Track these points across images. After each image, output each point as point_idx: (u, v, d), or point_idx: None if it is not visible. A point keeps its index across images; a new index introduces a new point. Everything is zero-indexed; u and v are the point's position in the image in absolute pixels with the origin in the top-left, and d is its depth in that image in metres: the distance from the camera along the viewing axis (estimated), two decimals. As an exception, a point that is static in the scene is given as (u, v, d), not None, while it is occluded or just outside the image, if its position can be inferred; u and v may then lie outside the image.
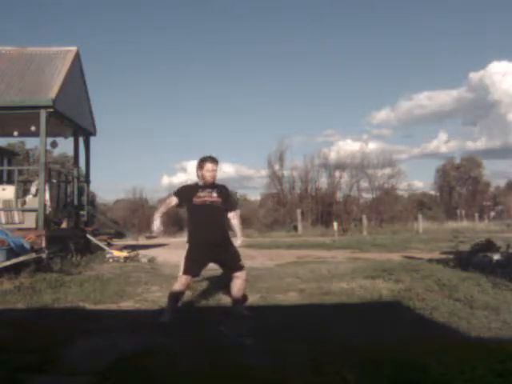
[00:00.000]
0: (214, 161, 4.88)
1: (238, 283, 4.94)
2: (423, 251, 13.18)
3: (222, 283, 7.13)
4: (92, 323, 4.77)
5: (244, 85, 70.35)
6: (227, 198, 5.00)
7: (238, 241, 5.05)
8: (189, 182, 5.23)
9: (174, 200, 4.95)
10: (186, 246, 4.90)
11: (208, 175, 4.83)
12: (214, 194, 4.84)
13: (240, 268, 4.94)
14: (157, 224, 4.88)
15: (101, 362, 3.43)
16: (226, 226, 5.00)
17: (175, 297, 4.87)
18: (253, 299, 5.89)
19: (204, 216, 4.80)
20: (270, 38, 71.75)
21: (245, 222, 29.94)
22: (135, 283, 7.56)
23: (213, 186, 4.90)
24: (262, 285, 6.96)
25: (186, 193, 4.92)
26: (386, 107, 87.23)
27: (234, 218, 5.09)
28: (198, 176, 4.96)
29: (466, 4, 67.62)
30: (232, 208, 5.07)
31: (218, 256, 4.85)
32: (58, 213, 11.98)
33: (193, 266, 4.80)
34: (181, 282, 4.82)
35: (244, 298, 5.14)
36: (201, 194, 4.82)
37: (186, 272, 4.79)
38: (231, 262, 4.92)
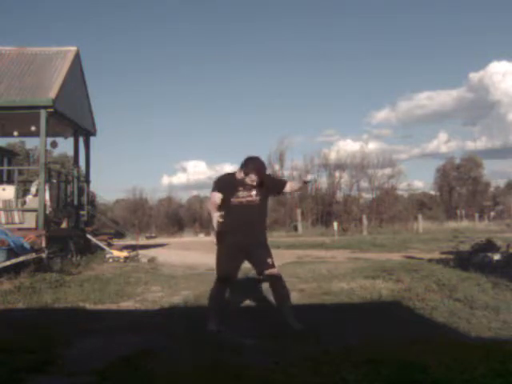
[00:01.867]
0: (260, 172, 4.37)
1: (274, 283, 4.50)
2: (423, 251, 13.18)
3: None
4: (92, 323, 4.77)
5: (244, 85, 70.38)
6: (267, 186, 4.49)
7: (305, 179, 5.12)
8: (230, 172, 4.67)
9: (218, 196, 4.42)
10: (216, 247, 4.55)
11: (251, 183, 4.38)
12: (253, 192, 4.41)
13: (271, 265, 4.44)
14: (216, 218, 4.37)
15: (101, 361, 3.43)
16: (263, 225, 4.67)
17: (214, 302, 4.52)
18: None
19: (238, 217, 4.38)
20: (270, 38, 71.79)
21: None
22: (135, 283, 7.57)
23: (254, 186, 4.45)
24: (262, 285, 6.96)
25: (227, 189, 4.43)
26: (386, 107, 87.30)
27: (292, 187, 4.76)
28: (240, 174, 4.46)
29: (466, 4, 67.65)
30: (281, 185, 4.65)
31: (249, 254, 4.46)
32: (58, 213, 11.97)
33: (225, 267, 4.47)
34: (216, 285, 4.53)
35: (290, 307, 4.53)
36: (240, 193, 4.40)
37: (219, 275, 4.49)
38: (261, 258, 4.46)
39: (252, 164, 4.38)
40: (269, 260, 4.44)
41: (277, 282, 4.48)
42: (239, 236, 4.38)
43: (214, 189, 4.48)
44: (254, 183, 4.36)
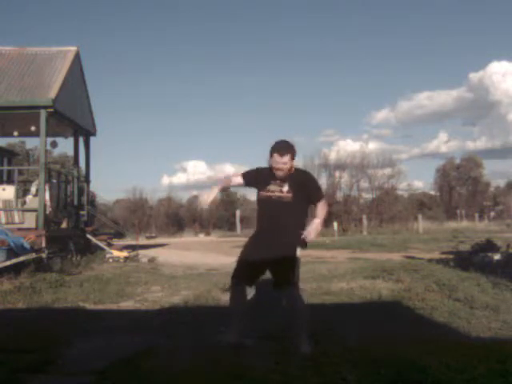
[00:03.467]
0: (282, 151, 3.77)
1: (291, 305, 3.85)
2: (423, 251, 13.18)
3: (221, 283, 7.13)
4: (92, 323, 4.77)
5: (244, 85, 70.42)
6: (304, 188, 3.87)
7: (311, 231, 3.78)
8: (265, 167, 4.06)
9: (239, 180, 4.03)
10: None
11: (276, 169, 3.81)
12: (285, 188, 3.82)
13: (287, 285, 3.79)
14: (213, 193, 3.97)
15: (101, 361, 3.43)
16: (295, 227, 3.82)
17: (234, 309, 4.03)
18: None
19: (268, 213, 3.90)
20: (270, 38, 71.79)
21: (245, 221, 30.01)
22: (135, 283, 7.56)
23: (286, 178, 3.85)
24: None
25: (255, 178, 4.00)
26: (386, 107, 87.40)
27: (319, 209, 3.91)
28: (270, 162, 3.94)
29: (466, 4, 67.63)
30: (315, 199, 3.93)
31: (271, 262, 3.83)
32: (58, 213, 11.97)
33: (244, 269, 3.89)
34: (232, 289, 4.02)
35: (304, 324, 3.88)
36: (271, 187, 3.86)
37: (234, 275, 3.94)
38: (280, 273, 3.82)
39: (276, 144, 3.84)
40: (287, 278, 3.79)
41: (294, 303, 3.86)
42: (264, 235, 3.88)
43: (244, 173, 4.06)
44: (280, 166, 3.77)
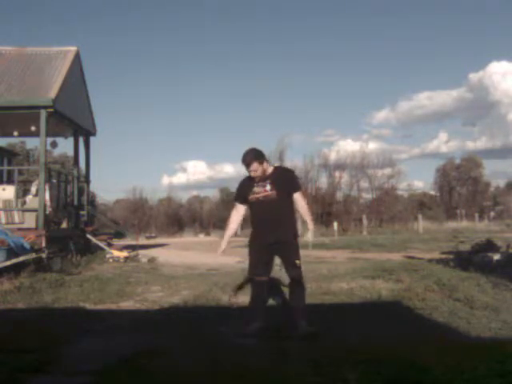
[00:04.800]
0: (245, 162, 4.31)
1: (294, 285, 4.35)
2: (423, 251, 13.18)
3: (221, 283, 7.14)
4: (92, 323, 4.77)
5: (244, 85, 70.42)
6: (284, 183, 4.37)
7: (308, 234, 4.49)
8: (244, 177, 4.56)
9: (241, 208, 4.53)
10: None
11: (253, 175, 4.32)
12: (268, 187, 4.30)
13: (294, 272, 4.32)
14: (223, 245, 4.52)
15: (101, 361, 3.43)
16: (289, 220, 4.39)
17: (253, 303, 4.42)
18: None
19: (259, 213, 4.35)
20: (270, 38, 71.79)
21: (245, 221, 30.04)
22: (135, 283, 7.56)
23: (266, 178, 4.34)
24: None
25: (243, 192, 4.46)
26: (386, 107, 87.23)
27: (298, 200, 4.41)
28: None
29: (465, 4, 67.63)
30: (293, 190, 4.40)
31: (278, 251, 4.40)
32: (58, 213, 11.97)
33: (256, 266, 4.37)
34: (253, 285, 4.46)
35: (304, 309, 4.33)
36: (255, 189, 4.34)
37: (251, 274, 4.44)
38: (286, 262, 4.40)
39: (242, 157, 4.35)
40: (296, 262, 4.31)
41: (298, 284, 4.36)
42: (264, 233, 4.31)
43: (235, 198, 4.62)
44: (252, 174, 4.29)
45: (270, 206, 4.28)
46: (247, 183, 4.43)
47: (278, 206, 4.28)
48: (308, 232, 4.50)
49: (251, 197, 4.35)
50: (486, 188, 47.46)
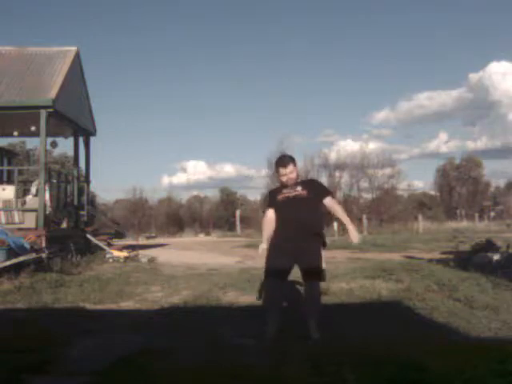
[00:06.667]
0: (283, 164, 4.32)
1: (308, 292, 4.27)
2: (423, 251, 13.18)
3: (221, 283, 7.14)
4: (92, 323, 4.77)
5: (244, 85, 70.45)
6: (314, 187, 4.40)
7: (351, 236, 4.37)
8: (272, 187, 4.68)
9: (271, 211, 4.37)
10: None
11: (284, 180, 4.32)
12: (299, 188, 4.27)
13: (316, 277, 4.22)
14: (265, 245, 4.30)
15: (101, 361, 3.43)
16: (317, 221, 4.34)
17: (268, 303, 4.38)
18: (253, 299, 5.91)
19: (287, 211, 4.21)
20: (270, 38, 71.82)
21: (245, 221, 30.02)
22: (135, 283, 7.56)
23: (297, 183, 4.34)
24: (262, 285, 6.97)
25: (273, 198, 4.40)
26: (386, 107, 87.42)
27: (331, 205, 4.33)
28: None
29: (465, 4, 67.65)
30: (323, 194, 4.33)
31: (298, 256, 4.17)
32: (58, 213, 11.97)
33: (273, 267, 4.18)
34: (266, 288, 4.40)
35: (317, 312, 4.23)
36: (284, 190, 4.31)
37: (266, 275, 4.26)
38: (309, 266, 4.19)
39: (278, 159, 4.49)
40: (316, 270, 4.19)
41: (316, 293, 4.24)
42: (287, 232, 4.17)
43: (267, 205, 4.53)
44: (284, 178, 4.29)
45: (300, 204, 4.19)
46: (278, 190, 4.44)
47: (308, 207, 4.19)
48: (351, 233, 4.38)
49: (280, 196, 4.30)
50: (486, 188, 47.44)
